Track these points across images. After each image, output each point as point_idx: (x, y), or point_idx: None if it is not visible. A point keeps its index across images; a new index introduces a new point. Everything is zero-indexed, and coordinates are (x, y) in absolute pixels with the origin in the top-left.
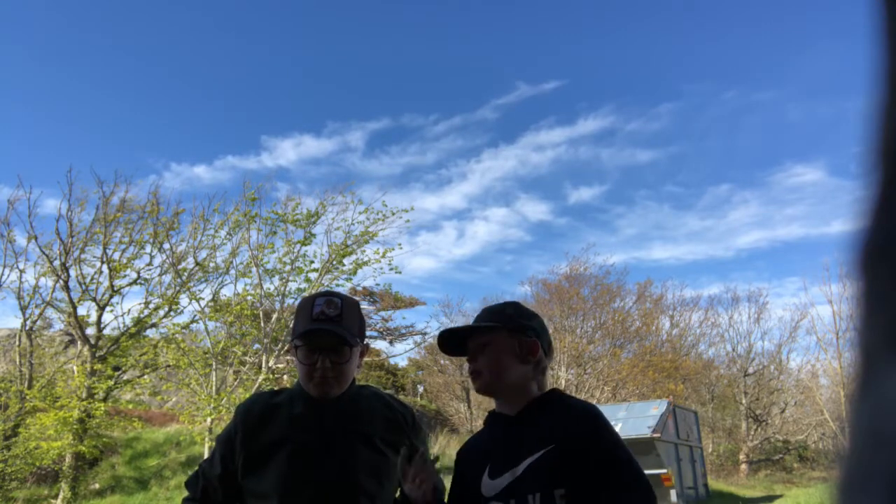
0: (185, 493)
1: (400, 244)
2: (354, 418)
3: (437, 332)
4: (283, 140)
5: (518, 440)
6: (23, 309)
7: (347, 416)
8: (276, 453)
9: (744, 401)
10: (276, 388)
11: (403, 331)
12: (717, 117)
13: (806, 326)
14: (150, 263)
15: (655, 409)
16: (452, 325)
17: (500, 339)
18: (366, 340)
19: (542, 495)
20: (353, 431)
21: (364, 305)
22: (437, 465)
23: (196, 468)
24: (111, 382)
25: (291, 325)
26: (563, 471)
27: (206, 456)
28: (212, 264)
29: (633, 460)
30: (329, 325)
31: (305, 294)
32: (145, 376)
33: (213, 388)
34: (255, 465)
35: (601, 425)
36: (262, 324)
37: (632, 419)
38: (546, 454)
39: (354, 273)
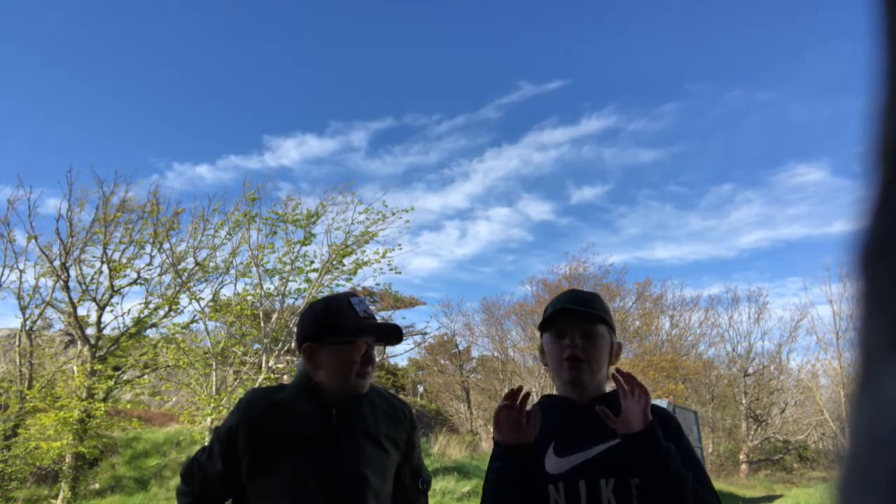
0: (180, 484)
1: (400, 244)
2: (360, 416)
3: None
4: (285, 140)
5: (590, 427)
6: (23, 309)
7: (353, 413)
8: (285, 452)
9: (744, 401)
10: (274, 385)
11: (403, 331)
12: (721, 117)
13: (806, 326)
14: (150, 263)
15: None
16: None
17: (606, 335)
18: (302, 293)
19: (616, 481)
20: (360, 429)
21: None
22: (438, 464)
23: (190, 459)
24: (111, 382)
25: (316, 326)
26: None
27: None
28: (212, 264)
29: (703, 465)
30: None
31: (306, 294)
32: (145, 376)
33: (213, 388)
34: (263, 464)
35: (680, 429)
36: (262, 324)
37: None
38: (621, 444)
39: (354, 273)
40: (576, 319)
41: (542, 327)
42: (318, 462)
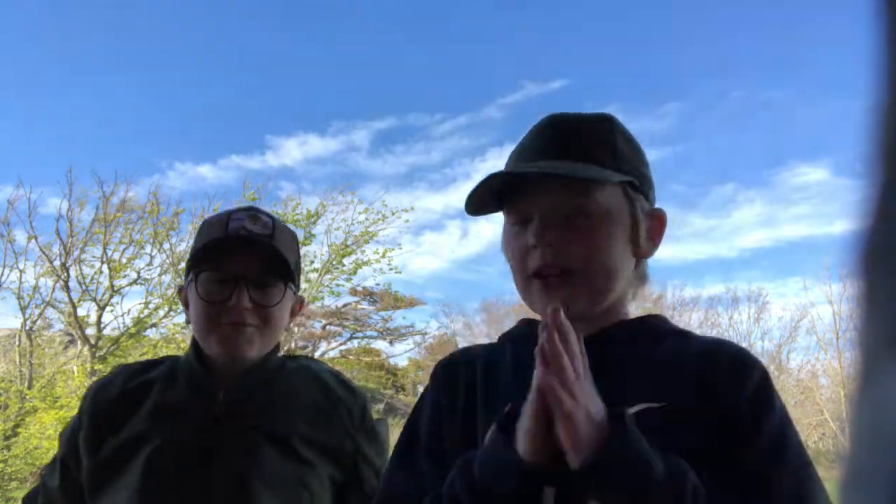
0: None
1: (400, 244)
2: (264, 406)
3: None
4: (287, 139)
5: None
6: (23, 309)
7: (254, 401)
8: (132, 458)
9: None
10: (156, 359)
11: (403, 331)
12: (724, 116)
13: (806, 326)
14: (150, 263)
15: None
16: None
17: (613, 202)
18: (301, 292)
19: None
20: (259, 426)
21: (364, 305)
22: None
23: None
24: None
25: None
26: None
27: None
28: None
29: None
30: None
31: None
32: None
33: None
34: (104, 476)
35: (770, 387)
36: None
37: None
38: (642, 415)
39: (354, 273)
40: (545, 189)
41: (479, 202)
42: (185, 475)
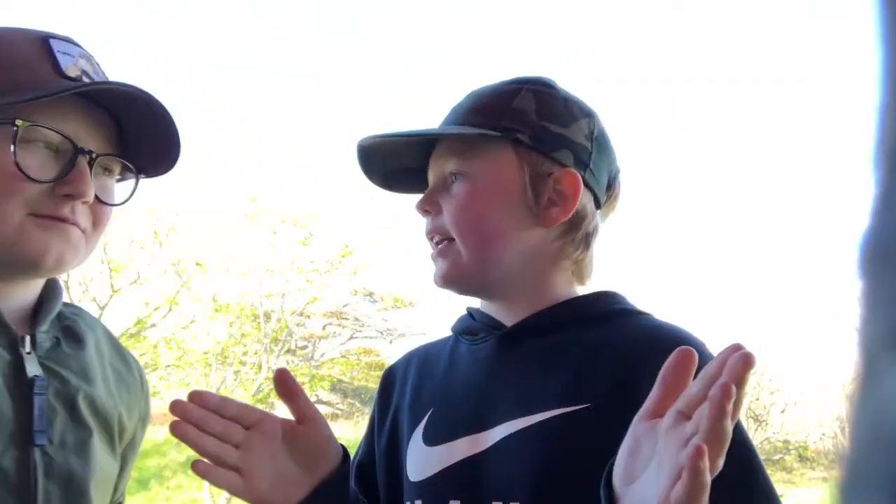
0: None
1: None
2: (81, 369)
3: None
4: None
5: (505, 376)
6: None
7: (69, 360)
8: None
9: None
10: None
11: (404, 330)
12: (725, 115)
13: (806, 326)
14: (150, 263)
15: None
16: None
17: (497, 163)
18: (301, 292)
19: None
20: (76, 386)
21: (364, 305)
22: None
23: None
24: None
25: None
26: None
27: None
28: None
29: (760, 464)
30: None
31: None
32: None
33: (214, 388)
34: None
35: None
36: (262, 324)
37: None
38: (565, 418)
39: (354, 273)
40: (436, 156)
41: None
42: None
